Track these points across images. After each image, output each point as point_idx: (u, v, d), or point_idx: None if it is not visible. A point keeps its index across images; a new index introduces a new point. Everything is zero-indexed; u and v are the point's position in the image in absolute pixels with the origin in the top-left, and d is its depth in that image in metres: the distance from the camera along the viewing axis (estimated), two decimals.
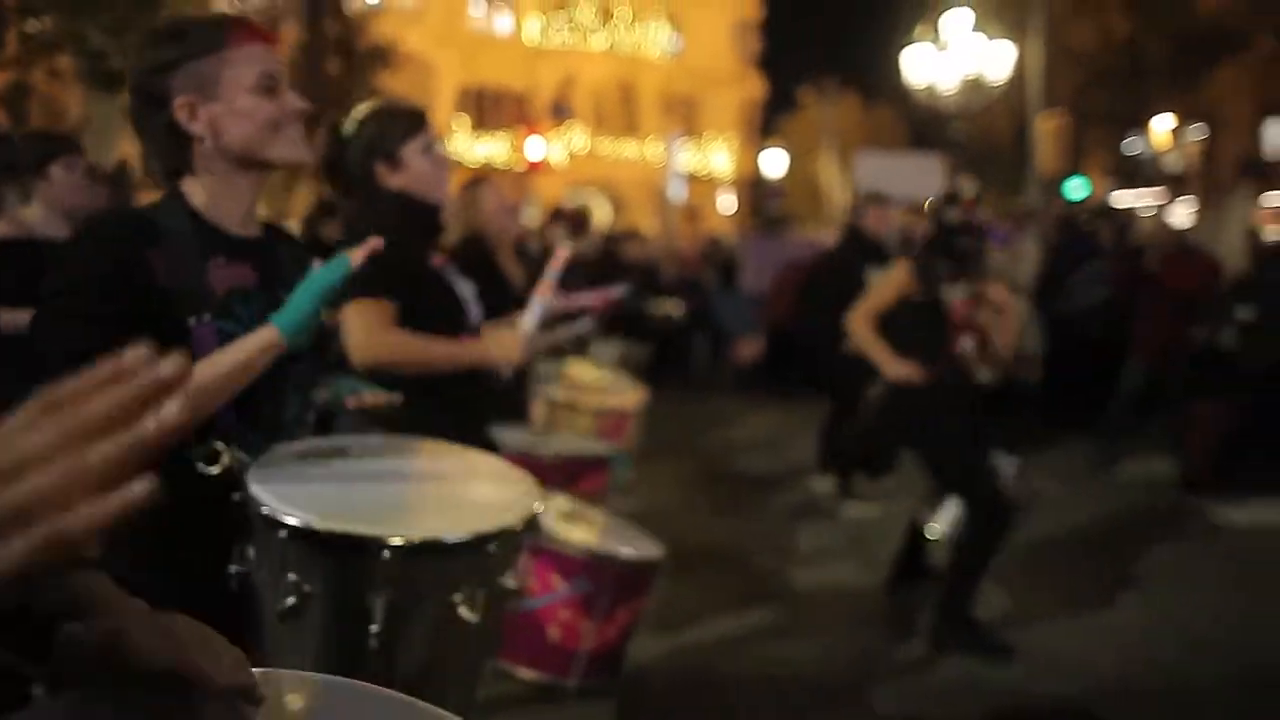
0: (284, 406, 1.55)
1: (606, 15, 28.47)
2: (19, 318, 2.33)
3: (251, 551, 1.37)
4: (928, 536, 4.28)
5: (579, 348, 5.54)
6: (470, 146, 26.28)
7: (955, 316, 3.85)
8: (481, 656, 1.43)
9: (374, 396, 1.69)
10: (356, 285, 1.63)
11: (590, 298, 3.45)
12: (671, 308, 10.30)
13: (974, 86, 13.38)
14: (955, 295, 3.84)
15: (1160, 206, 16.91)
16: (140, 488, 0.56)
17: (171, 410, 0.58)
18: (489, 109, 27.85)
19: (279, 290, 1.55)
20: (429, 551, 1.32)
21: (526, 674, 2.67)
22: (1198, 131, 21.46)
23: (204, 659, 0.83)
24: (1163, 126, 20.73)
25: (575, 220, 5.42)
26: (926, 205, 4.18)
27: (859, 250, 5.78)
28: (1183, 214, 13.64)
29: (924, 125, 20.40)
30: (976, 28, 13.36)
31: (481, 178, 3.87)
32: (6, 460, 0.57)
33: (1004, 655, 3.66)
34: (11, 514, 0.56)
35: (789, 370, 8.53)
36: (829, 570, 4.74)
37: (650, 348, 8.09)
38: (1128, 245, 7.95)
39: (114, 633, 0.78)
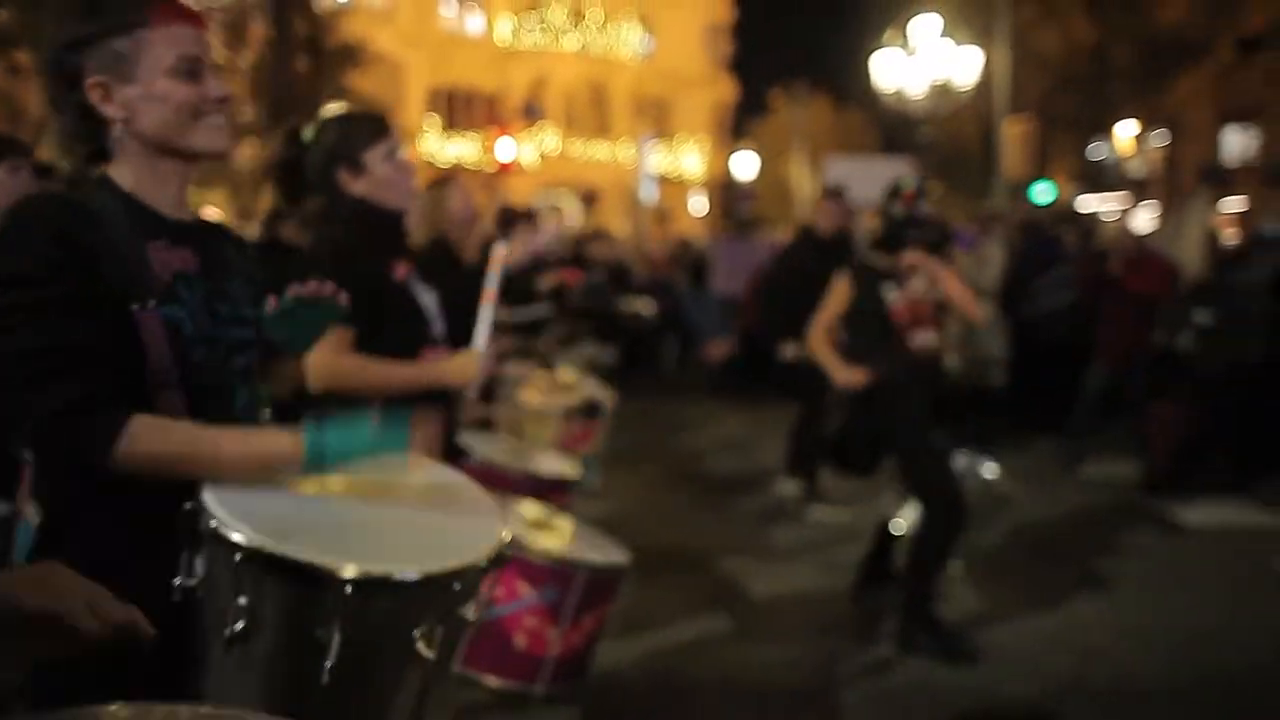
0: (232, 397, 1.49)
1: (578, 16, 28.43)
2: None
3: (200, 566, 1.29)
4: (893, 534, 4.32)
5: (546, 352, 5.53)
6: (441, 147, 26.15)
7: (902, 317, 3.92)
8: (434, 691, 1.36)
9: (316, 287, 1.56)
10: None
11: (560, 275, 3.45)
12: (642, 306, 10.31)
13: (942, 91, 13.52)
14: (894, 299, 3.94)
15: (1124, 211, 17.16)
16: None
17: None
18: (460, 109, 27.73)
19: (220, 278, 1.50)
20: (393, 588, 1.25)
21: (493, 682, 2.65)
22: (1160, 137, 21.83)
23: (75, 604, 0.90)
24: (1126, 132, 21.05)
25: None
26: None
27: (811, 249, 5.84)
28: (1146, 219, 13.86)
29: (894, 129, 20.58)
30: (945, 33, 13.49)
31: (448, 178, 3.85)
32: None
33: (969, 657, 3.70)
34: None
35: (759, 372, 8.57)
36: (795, 573, 4.76)
37: (619, 350, 8.10)
38: (1092, 249, 8.06)
39: None
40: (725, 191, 30.51)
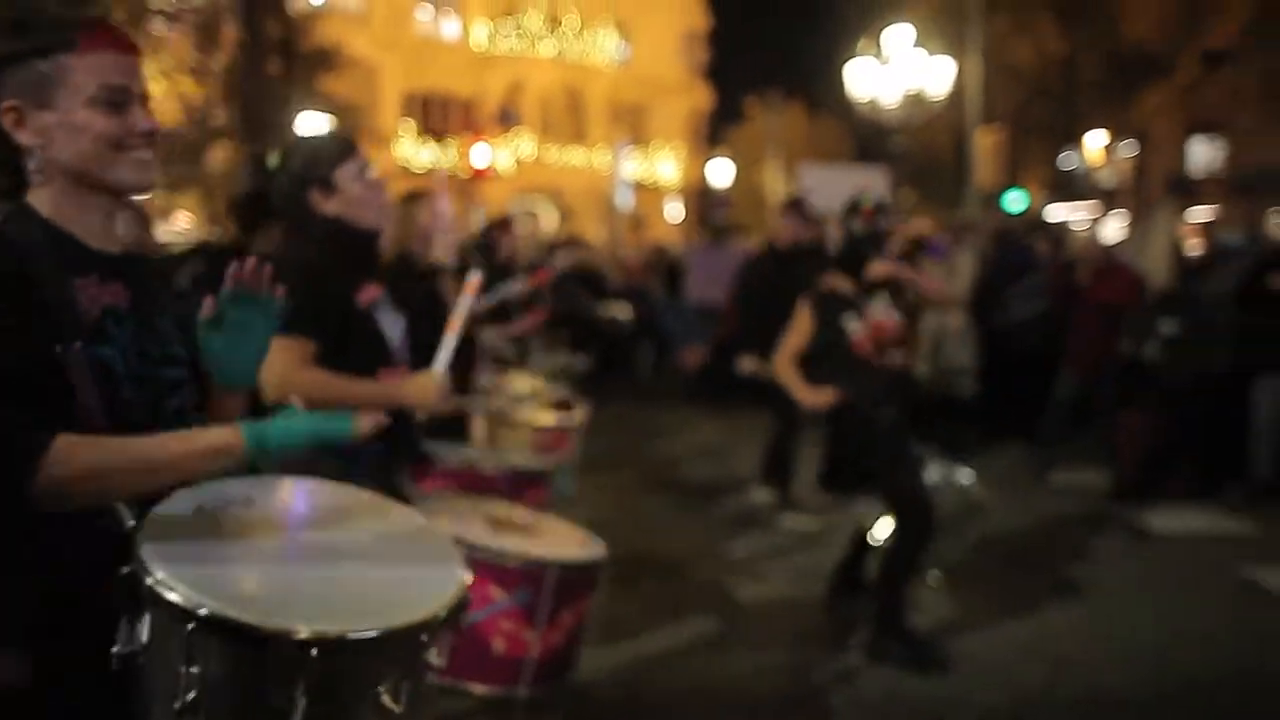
0: (161, 400, 1.42)
1: (554, 22, 28.44)
2: None
3: (143, 632, 1.18)
4: (870, 543, 4.34)
5: (520, 357, 5.51)
6: (416, 152, 26.03)
7: (863, 348, 3.95)
8: None
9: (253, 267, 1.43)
10: (281, 322, 1.50)
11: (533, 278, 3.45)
12: (619, 310, 10.29)
13: (915, 101, 13.64)
14: (854, 329, 3.97)
15: (1094, 220, 17.39)
16: None
17: None
18: (435, 115, 27.62)
19: (150, 313, 1.43)
20: (354, 648, 1.19)
21: (477, 689, 2.64)
22: (1129, 148, 22.16)
23: None
24: (1096, 143, 21.34)
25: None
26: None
27: (771, 262, 5.88)
28: (1115, 228, 14.04)
29: (867, 138, 20.75)
30: (917, 43, 13.63)
31: (420, 194, 3.85)
32: None
33: (940, 666, 3.72)
34: None
35: (734, 380, 8.59)
36: (768, 581, 4.77)
37: (594, 356, 8.08)
38: (1062, 259, 8.15)
39: None
40: (700, 198, 30.62)
